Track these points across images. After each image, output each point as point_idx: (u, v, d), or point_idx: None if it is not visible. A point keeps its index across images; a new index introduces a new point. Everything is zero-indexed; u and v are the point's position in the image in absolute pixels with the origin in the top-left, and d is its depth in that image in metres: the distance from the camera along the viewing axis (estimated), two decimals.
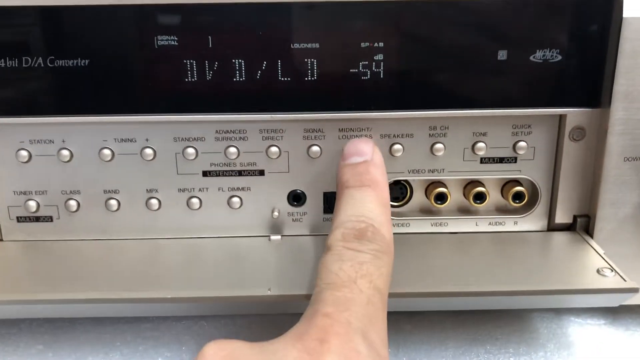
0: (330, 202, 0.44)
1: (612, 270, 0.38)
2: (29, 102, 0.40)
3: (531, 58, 0.40)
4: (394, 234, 0.44)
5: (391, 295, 0.37)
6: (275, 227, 0.45)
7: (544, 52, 0.40)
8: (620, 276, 0.37)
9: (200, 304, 0.38)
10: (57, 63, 0.39)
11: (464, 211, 0.45)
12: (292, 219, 0.45)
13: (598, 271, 0.38)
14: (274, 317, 0.40)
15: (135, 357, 0.42)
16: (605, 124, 0.40)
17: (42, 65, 0.39)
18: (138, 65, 0.40)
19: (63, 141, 0.42)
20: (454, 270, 0.40)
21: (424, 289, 0.38)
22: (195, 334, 0.44)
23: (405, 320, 0.45)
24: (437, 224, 0.45)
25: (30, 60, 0.39)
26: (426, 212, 0.45)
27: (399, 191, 0.45)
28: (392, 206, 0.45)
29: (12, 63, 0.39)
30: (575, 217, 0.44)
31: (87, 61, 0.39)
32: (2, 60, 0.39)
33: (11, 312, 0.42)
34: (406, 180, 0.44)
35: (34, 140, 0.42)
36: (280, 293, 0.36)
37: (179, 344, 0.43)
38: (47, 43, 0.39)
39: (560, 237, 0.43)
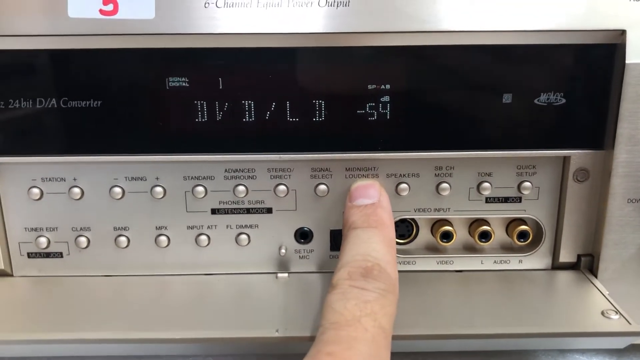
0: (336, 239, 0.44)
1: (616, 313, 0.38)
2: (42, 142, 0.41)
3: (536, 101, 0.40)
4: (400, 271, 0.44)
5: (395, 338, 0.38)
6: (283, 264, 0.45)
7: (548, 95, 0.40)
8: (625, 319, 0.38)
9: (207, 344, 0.38)
10: (70, 104, 0.40)
11: (470, 249, 0.46)
12: (299, 256, 0.45)
13: (603, 313, 0.39)
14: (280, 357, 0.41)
15: None
16: (609, 166, 0.41)
17: (56, 106, 0.40)
18: (149, 106, 0.40)
19: (74, 179, 0.43)
20: (459, 310, 0.41)
21: (429, 330, 0.39)
22: None
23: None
24: (443, 262, 0.45)
25: (44, 101, 0.40)
26: (432, 249, 0.46)
27: (405, 229, 0.45)
28: (398, 244, 0.45)
29: (26, 104, 0.40)
30: (579, 257, 0.44)
31: (99, 102, 0.40)
32: (17, 101, 0.40)
33: (20, 351, 0.42)
34: (412, 219, 0.45)
35: (46, 178, 0.43)
36: (287, 335, 0.37)
37: None
38: (61, 84, 0.40)
39: (564, 276, 0.44)
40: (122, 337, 0.39)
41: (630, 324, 0.37)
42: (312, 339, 0.36)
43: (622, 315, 0.38)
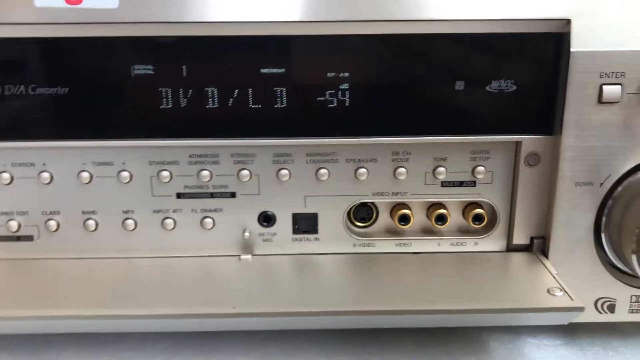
0: (299, 223, 0.46)
1: (561, 290, 0.40)
2: (12, 128, 0.42)
3: (487, 88, 0.42)
4: (359, 253, 0.46)
5: (355, 313, 0.39)
6: (247, 247, 0.47)
7: (499, 82, 0.42)
8: (569, 296, 0.40)
9: (171, 320, 0.40)
10: (38, 91, 0.41)
11: (427, 232, 0.47)
12: (263, 239, 0.47)
13: (548, 291, 0.40)
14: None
15: None
16: (558, 150, 0.42)
17: (24, 92, 0.41)
18: (116, 93, 0.42)
19: (44, 164, 0.44)
20: (415, 289, 0.42)
21: (385, 307, 0.40)
22: (170, 354, 0.45)
23: (368, 342, 0.46)
24: (402, 244, 0.47)
25: (12, 87, 0.41)
26: (391, 232, 0.47)
27: (365, 212, 0.47)
28: (359, 227, 0.47)
29: None
30: (532, 239, 0.46)
31: (67, 89, 0.41)
32: None
33: None
34: (372, 202, 0.47)
35: (16, 163, 0.44)
36: (244, 311, 0.38)
37: None
38: (29, 72, 0.41)
39: (517, 258, 0.46)
40: (90, 313, 0.40)
41: (572, 300, 0.39)
42: (267, 315, 0.38)
43: (566, 292, 0.40)
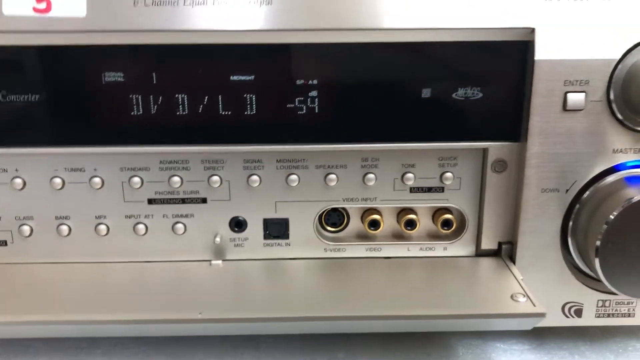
0: (269, 228, 0.47)
1: (524, 296, 0.41)
2: None
3: (454, 96, 0.42)
4: (330, 258, 0.47)
5: (324, 319, 0.40)
6: (218, 252, 0.47)
7: (466, 90, 0.42)
8: (531, 301, 0.40)
9: (141, 325, 0.40)
10: (9, 98, 0.42)
11: (398, 237, 0.48)
12: (234, 245, 0.47)
13: (512, 296, 0.41)
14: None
15: None
16: (524, 157, 0.43)
17: None
18: (87, 100, 0.42)
19: (16, 170, 0.45)
20: (385, 295, 0.43)
21: (356, 312, 0.41)
22: (143, 359, 0.46)
23: (339, 348, 0.47)
24: (372, 249, 0.47)
25: None
26: (362, 237, 0.48)
27: (337, 217, 0.47)
28: (330, 231, 0.48)
29: None
30: (500, 244, 0.46)
31: (37, 96, 0.42)
32: None
33: None
34: (343, 208, 0.47)
35: None
36: (209, 317, 0.39)
37: None
38: (0, 79, 0.42)
39: (485, 263, 0.46)
40: (61, 319, 0.41)
41: (534, 306, 0.40)
42: (233, 320, 0.39)
43: (529, 298, 0.40)
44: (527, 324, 0.40)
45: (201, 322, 0.39)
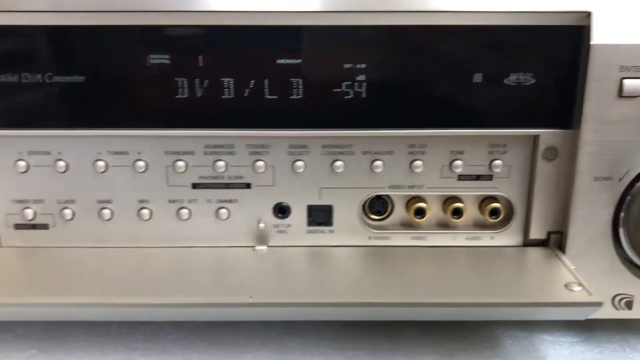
0: (313, 214, 0.46)
1: (579, 285, 0.40)
2: (28, 116, 0.42)
3: (505, 81, 0.42)
4: (375, 246, 0.46)
5: (372, 305, 0.39)
6: (261, 238, 0.47)
7: (518, 75, 0.41)
8: (587, 290, 0.39)
9: (187, 309, 0.40)
10: (54, 79, 0.41)
11: (443, 226, 0.47)
12: (277, 231, 0.46)
13: (566, 285, 0.40)
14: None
15: None
16: (576, 144, 0.42)
17: (41, 80, 0.41)
18: (132, 82, 0.42)
19: (59, 153, 0.44)
20: (430, 283, 0.42)
21: (403, 299, 0.40)
22: (181, 346, 0.46)
23: (383, 338, 0.46)
24: (417, 238, 0.47)
25: (29, 75, 0.41)
26: (406, 226, 0.47)
27: (381, 205, 0.47)
28: (374, 219, 0.47)
29: (13, 78, 0.41)
30: (549, 234, 0.45)
31: (83, 78, 0.41)
32: (4, 75, 0.41)
33: (7, 315, 0.43)
34: (387, 195, 0.46)
35: (32, 151, 0.44)
36: (260, 301, 0.38)
37: (166, 354, 0.45)
38: (46, 60, 0.41)
39: (534, 253, 0.45)
40: (104, 301, 0.40)
41: (590, 294, 0.39)
42: (283, 305, 0.38)
43: (584, 287, 0.39)
44: (582, 314, 0.39)
45: (252, 306, 0.38)
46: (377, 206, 0.47)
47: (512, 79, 0.42)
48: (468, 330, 0.47)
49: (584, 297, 0.39)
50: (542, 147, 0.43)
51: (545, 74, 0.41)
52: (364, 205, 0.46)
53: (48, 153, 0.44)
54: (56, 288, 0.42)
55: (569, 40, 0.41)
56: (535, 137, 0.44)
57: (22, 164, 0.44)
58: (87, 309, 0.41)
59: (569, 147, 0.43)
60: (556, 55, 0.41)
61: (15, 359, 0.44)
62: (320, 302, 0.39)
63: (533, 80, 0.42)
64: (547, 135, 0.43)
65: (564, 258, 0.43)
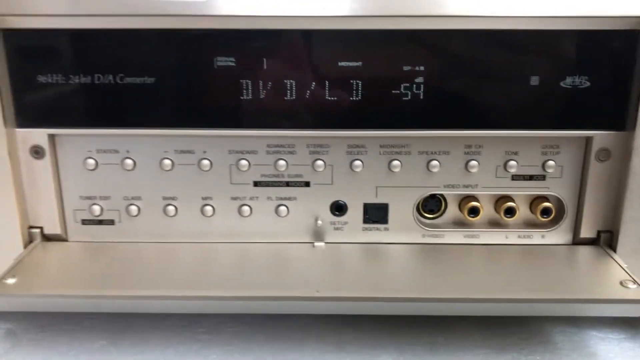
0: (369, 212, 0.47)
1: (634, 283, 0.41)
2: (99, 115, 0.44)
3: (561, 84, 0.43)
4: (428, 244, 0.47)
5: (426, 300, 0.41)
6: (318, 235, 0.48)
7: (574, 78, 0.43)
8: None
9: (253, 302, 0.41)
10: (125, 80, 0.43)
11: (495, 224, 0.48)
12: (334, 228, 0.48)
13: (621, 283, 0.41)
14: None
15: (189, 355, 0.45)
16: (630, 146, 0.43)
17: (112, 82, 0.43)
18: (199, 83, 0.43)
19: (127, 151, 0.46)
20: (484, 279, 0.43)
21: (457, 295, 0.42)
22: (243, 338, 0.47)
23: (438, 333, 0.48)
24: (470, 236, 0.48)
25: (101, 77, 0.43)
26: (459, 224, 0.48)
27: (435, 204, 0.48)
28: (428, 218, 0.48)
29: (85, 80, 0.43)
30: (599, 232, 0.47)
31: (153, 79, 0.43)
32: (77, 76, 0.43)
33: (77, 306, 0.45)
34: (441, 194, 0.48)
35: (101, 149, 0.46)
36: (327, 295, 0.40)
37: (228, 346, 0.46)
38: (117, 62, 0.43)
39: (584, 251, 0.46)
40: (169, 294, 0.42)
41: None
42: (348, 299, 0.40)
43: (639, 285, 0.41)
44: (636, 311, 0.41)
45: (319, 300, 0.39)
46: (431, 205, 0.48)
47: (568, 82, 0.43)
48: (517, 326, 0.48)
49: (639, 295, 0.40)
50: (595, 148, 0.45)
51: (601, 77, 0.43)
52: (418, 204, 0.48)
53: (116, 151, 0.46)
54: (121, 281, 0.43)
55: (624, 44, 0.42)
56: (589, 139, 0.45)
57: (90, 162, 0.46)
58: (151, 302, 0.43)
59: (621, 149, 0.44)
60: (611, 59, 0.42)
61: (86, 350, 0.45)
62: (382, 297, 0.41)
63: (588, 84, 0.43)
64: (600, 137, 0.44)
65: (616, 256, 0.45)
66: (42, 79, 0.43)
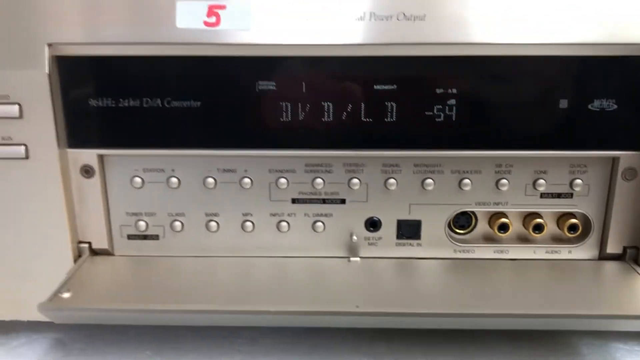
0: (402, 228, 0.49)
1: None
2: (146, 137, 0.46)
3: (589, 107, 0.45)
4: (459, 259, 0.49)
5: (460, 316, 0.43)
6: (353, 250, 0.50)
7: (601, 101, 0.44)
8: None
9: (292, 316, 0.43)
10: (172, 104, 0.45)
11: (523, 239, 0.50)
12: (368, 243, 0.50)
13: None
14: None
15: None
16: None
17: (160, 105, 0.45)
18: (241, 106, 0.46)
19: (172, 170, 0.48)
20: (514, 294, 0.45)
21: (489, 310, 0.43)
22: (281, 350, 0.49)
23: (468, 343, 0.50)
24: (499, 251, 0.50)
25: (149, 100, 0.45)
26: (489, 239, 0.50)
27: (465, 220, 0.50)
28: (458, 234, 0.50)
29: (134, 103, 0.45)
30: (625, 248, 0.48)
31: (198, 103, 0.45)
32: (126, 100, 0.45)
33: (124, 319, 0.47)
34: (472, 211, 0.50)
35: (147, 168, 0.48)
36: (366, 310, 0.42)
37: (268, 357, 0.48)
38: (165, 87, 0.45)
39: (611, 266, 0.48)
40: (212, 308, 0.44)
41: None
42: (387, 315, 0.42)
43: None
44: None
45: (358, 315, 0.41)
46: (462, 220, 0.50)
47: (595, 104, 0.45)
48: (544, 338, 0.50)
49: None
50: (621, 167, 0.46)
51: (628, 100, 0.44)
52: (449, 220, 0.50)
53: (162, 170, 0.48)
54: (167, 294, 0.45)
55: None
56: (615, 159, 0.46)
57: (137, 180, 0.48)
58: (196, 316, 0.45)
59: None
60: (638, 83, 0.44)
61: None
62: (418, 313, 0.42)
63: (615, 106, 0.44)
64: (627, 157, 0.46)
65: None
66: (93, 102, 0.45)
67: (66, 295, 0.44)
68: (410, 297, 0.45)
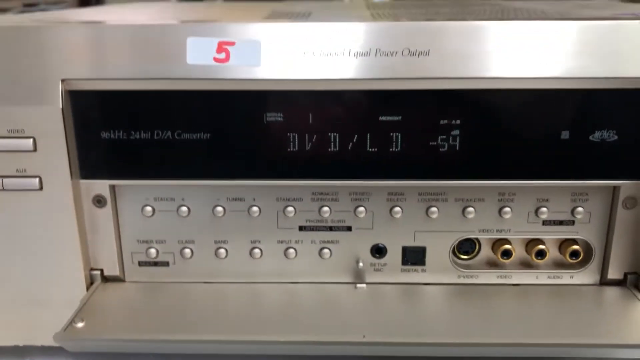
0: (407, 255, 0.51)
1: None
2: (157, 168, 0.48)
3: (590, 138, 0.46)
4: (463, 284, 0.50)
5: (466, 345, 0.44)
6: (359, 275, 0.51)
7: (602, 132, 0.45)
8: None
9: (301, 345, 0.44)
10: (182, 136, 0.46)
11: (526, 265, 0.51)
12: (374, 269, 0.51)
13: None
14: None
15: None
16: None
17: (170, 137, 0.46)
18: (250, 137, 0.47)
19: (182, 199, 0.49)
20: (517, 322, 0.46)
21: (493, 340, 0.44)
22: None
23: None
24: (502, 277, 0.51)
25: (160, 133, 0.46)
26: (492, 265, 0.51)
27: (469, 246, 0.51)
28: (462, 259, 0.51)
29: (145, 135, 0.47)
30: (626, 274, 0.49)
31: (208, 135, 0.46)
32: (137, 132, 0.46)
33: (133, 348, 0.48)
34: (476, 238, 0.51)
35: (158, 198, 0.49)
36: (373, 340, 0.43)
37: None
38: (176, 120, 0.46)
39: (611, 292, 0.49)
40: (220, 338, 0.45)
41: None
42: (393, 344, 0.43)
43: None
44: None
45: (365, 344, 0.43)
46: (466, 246, 0.51)
47: (596, 135, 0.46)
48: None
49: None
50: (622, 196, 0.47)
51: (628, 131, 0.45)
52: (453, 246, 0.51)
53: (172, 199, 0.49)
54: (177, 322, 0.46)
55: None
56: (616, 188, 0.48)
57: (148, 209, 0.49)
58: (207, 345, 0.46)
59: None
60: (638, 115, 0.45)
61: None
62: (425, 342, 0.43)
63: (616, 137, 0.45)
64: (627, 186, 0.47)
65: None
66: (105, 135, 0.46)
67: (80, 325, 0.45)
68: (415, 326, 0.46)
